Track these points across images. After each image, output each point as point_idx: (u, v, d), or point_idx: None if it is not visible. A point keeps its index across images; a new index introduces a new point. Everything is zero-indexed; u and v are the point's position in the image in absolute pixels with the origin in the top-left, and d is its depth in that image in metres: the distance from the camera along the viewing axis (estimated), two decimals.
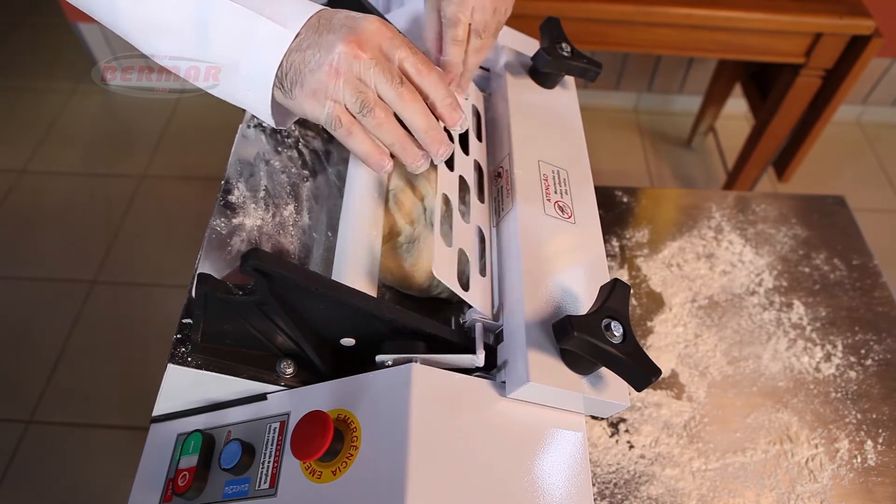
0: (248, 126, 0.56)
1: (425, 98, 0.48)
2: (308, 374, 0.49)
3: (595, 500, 0.67)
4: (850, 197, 1.00)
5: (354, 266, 0.52)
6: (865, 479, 0.70)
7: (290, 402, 0.47)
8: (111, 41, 2.13)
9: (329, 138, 0.64)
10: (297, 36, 0.46)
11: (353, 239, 0.54)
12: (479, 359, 0.45)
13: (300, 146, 0.61)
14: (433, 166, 0.51)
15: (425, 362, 0.44)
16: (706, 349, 0.81)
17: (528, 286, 0.47)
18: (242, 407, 0.49)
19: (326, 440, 0.39)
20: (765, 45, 1.40)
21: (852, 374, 0.79)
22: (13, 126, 2.11)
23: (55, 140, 2.06)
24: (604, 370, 0.44)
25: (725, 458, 0.71)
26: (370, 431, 0.41)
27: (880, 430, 0.74)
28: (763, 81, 1.71)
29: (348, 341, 0.48)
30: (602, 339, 0.41)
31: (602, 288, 0.45)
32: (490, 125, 0.64)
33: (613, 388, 0.45)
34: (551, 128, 0.62)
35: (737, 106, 2.07)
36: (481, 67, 0.68)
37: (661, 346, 0.81)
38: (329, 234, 0.59)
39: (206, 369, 0.45)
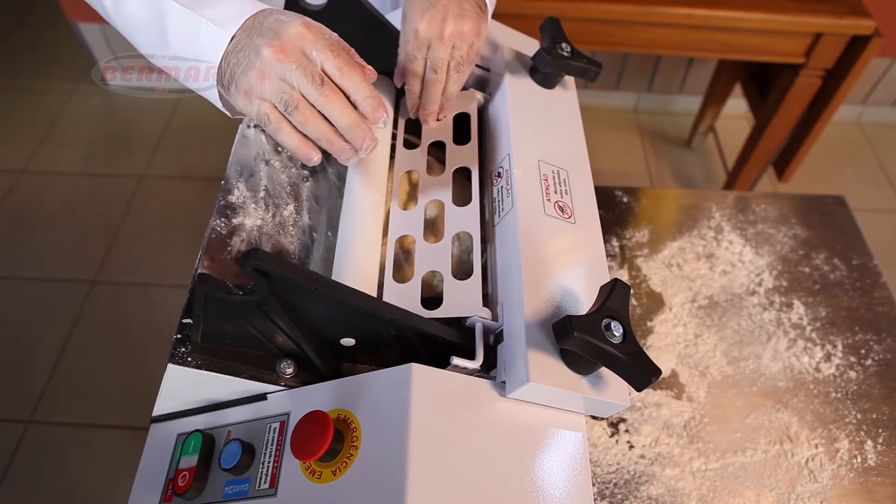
0: (248, 126, 0.56)
1: (349, 97, 0.50)
2: (308, 374, 0.49)
3: (595, 500, 0.67)
4: (850, 197, 1.00)
5: (354, 266, 0.52)
6: (865, 479, 0.70)
7: (290, 402, 0.47)
8: (111, 41, 2.13)
9: None
10: (232, 38, 0.49)
11: (353, 239, 0.54)
12: (477, 362, 0.46)
13: None
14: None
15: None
16: (706, 349, 0.81)
17: (528, 286, 0.47)
18: (242, 407, 0.49)
19: (326, 440, 0.39)
20: (765, 45, 1.40)
21: (852, 374, 0.79)
22: (13, 126, 2.11)
23: (55, 140, 2.06)
24: (604, 370, 0.44)
25: (725, 458, 0.71)
26: (370, 431, 0.41)
27: (880, 430, 0.74)
28: (763, 81, 1.71)
29: (348, 341, 0.48)
30: (602, 339, 0.41)
31: (602, 288, 0.45)
32: (490, 125, 0.64)
33: (613, 388, 0.45)
34: (551, 128, 0.62)
35: (737, 106, 2.07)
36: (482, 67, 0.68)
37: (661, 346, 0.81)
38: (329, 234, 0.59)
39: (206, 369, 0.45)
